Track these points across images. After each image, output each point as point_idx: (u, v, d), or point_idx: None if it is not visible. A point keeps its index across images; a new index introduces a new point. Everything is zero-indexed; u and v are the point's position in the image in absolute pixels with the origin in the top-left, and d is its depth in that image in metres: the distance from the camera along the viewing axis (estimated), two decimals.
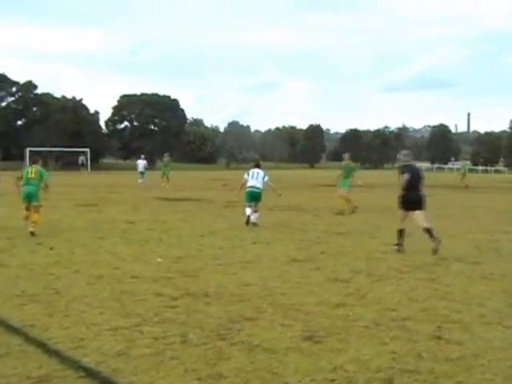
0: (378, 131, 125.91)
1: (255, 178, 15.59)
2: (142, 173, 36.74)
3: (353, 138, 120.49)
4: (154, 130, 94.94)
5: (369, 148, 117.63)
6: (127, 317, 6.31)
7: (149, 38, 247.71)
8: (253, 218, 15.01)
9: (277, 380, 4.65)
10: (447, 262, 9.90)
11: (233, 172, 64.62)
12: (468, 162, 41.65)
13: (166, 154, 37.56)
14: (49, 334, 5.68)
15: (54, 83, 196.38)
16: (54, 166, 70.76)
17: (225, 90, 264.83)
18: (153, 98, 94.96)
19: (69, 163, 70.08)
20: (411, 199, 11.25)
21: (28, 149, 65.53)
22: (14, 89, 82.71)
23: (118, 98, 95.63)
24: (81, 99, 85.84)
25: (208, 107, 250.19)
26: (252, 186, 15.45)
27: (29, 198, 13.10)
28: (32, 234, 12.52)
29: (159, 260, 9.78)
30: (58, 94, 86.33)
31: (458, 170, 44.87)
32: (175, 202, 22.96)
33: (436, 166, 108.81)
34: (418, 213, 11.16)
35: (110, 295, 7.28)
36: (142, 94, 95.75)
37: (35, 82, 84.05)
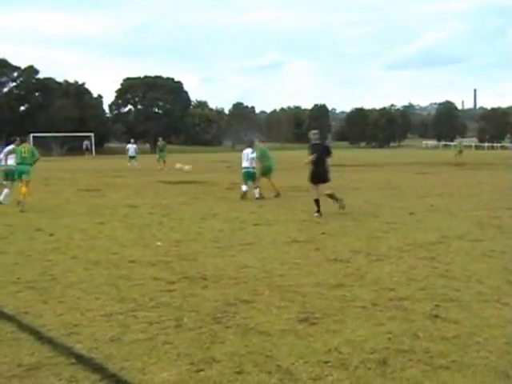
0: (383, 109, 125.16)
1: (245, 158, 17.11)
2: (132, 157, 36.68)
3: (358, 117, 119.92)
4: (159, 112, 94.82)
5: (375, 127, 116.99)
6: (122, 302, 6.27)
7: (151, 20, 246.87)
8: (255, 194, 16.73)
9: (270, 363, 4.60)
10: (448, 240, 9.80)
11: (238, 154, 64.69)
12: (464, 140, 41.08)
13: (160, 139, 37.65)
14: (42, 320, 5.65)
15: (56, 68, 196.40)
16: (58, 151, 70.95)
17: (229, 72, 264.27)
18: (156, 80, 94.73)
19: (73, 148, 70.10)
20: (318, 174, 13.26)
21: (32, 134, 65.63)
22: (15, 74, 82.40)
23: (121, 82, 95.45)
24: (83, 83, 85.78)
25: (212, 89, 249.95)
26: (245, 167, 17.21)
27: (21, 175, 15.09)
28: (19, 202, 14.27)
29: (158, 244, 9.74)
30: (60, 79, 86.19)
31: (454, 147, 44.46)
32: (178, 184, 22.91)
33: (442, 143, 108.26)
34: (323, 185, 13.27)
35: (106, 280, 7.25)
36: (146, 77, 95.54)
37: (37, 66, 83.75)
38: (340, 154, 70.05)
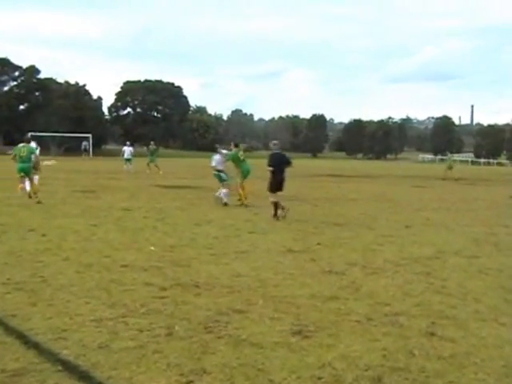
0: (381, 122, 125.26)
1: (216, 162, 17.56)
2: (128, 160, 35.70)
3: (356, 128, 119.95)
4: (157, 116, 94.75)
5: (372, 138, 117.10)
6: (113, 307, 6.15)
7: (153, 24, 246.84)
8: (222, 196, 16.76)
9: (262, 377, 4.49)
10: (445, 256, 9.71)
11: None
12: (456, 155, 40.15)
13: (152, 142, 37.29)
14: (30, 324, 5.52)
15: (58, 68, 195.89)
16: (56, 151, 70.73)
17: (229, 78, 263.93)
18: (156, 84, 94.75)
19: (71, 149, 69.91)
20: (276, 183, 13.99)
21: (30, 134, 65.33)
22: (16, 73, 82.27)
23: (121, 85, 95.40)
24: (84, 85, 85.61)
25: (212, 95, 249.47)
26: (219, 170, 17.33)
27: (24, 173, 16.64)
28: (39, 202, 15.55)
29: (152, 248, 9.62)
30: (61, 80, 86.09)
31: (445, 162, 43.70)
32: (174, 189, 22.79)
33: (439, 157, 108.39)
34: (279, 193, 14.15)
35: (97, 284, 7.12)
36: (146, 81, 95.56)
37: (38, 66, 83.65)
38: (337, 164, 70.37)
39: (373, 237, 11.64)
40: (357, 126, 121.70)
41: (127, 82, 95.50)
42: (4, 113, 76.54)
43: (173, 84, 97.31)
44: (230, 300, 6.59)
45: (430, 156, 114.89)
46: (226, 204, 16.62)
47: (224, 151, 18.24)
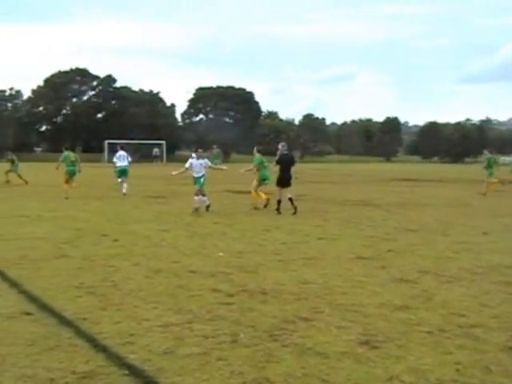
0: (458, 124, 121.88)
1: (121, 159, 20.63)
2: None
3: (431, 131, 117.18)
4: (229, 122, 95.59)
5: (448, 141, 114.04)
6: (179, 313, 6.18)
7: (223, 30, 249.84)
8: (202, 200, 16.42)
9: None
10: None
11: (306, 165, 64.21)
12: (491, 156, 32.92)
13: (214, 146, 37.24)
14: (99, 328, 5.62)
15: (132, 77, 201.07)
16: (132, 157, 72.57)
17: (299, 83, 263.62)
18: (228, 90, 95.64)
19: (145, 155, 71.55)
20: (284, 179, 15.87)
21: (107, 141, 67.46)
22: (94, 83, 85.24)
23: (193, 91, 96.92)
24: (158, 92, 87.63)
25: (283, 100, 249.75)
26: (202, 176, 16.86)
27: (73, 175, 20.93)
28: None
29: (220, 254, 9.64)
30: (136, 88, 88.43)
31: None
32: (244, 194, 22.84)
33: None
34: (287, 189, 15.93)
35: (165, 290, 7.18)
36: (218, 87, 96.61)
37: (115, 75, 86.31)
38: (411, 168, 68.92)
39: (447, 243, 11.26)
40: (432, 128, 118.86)
41: (200, 89, 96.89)
42: (83, 121, 79.44)
43: (244, 90, 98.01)
44: (297, 307, 6.50)
45: (510, 158, 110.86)
46: (196, 210, 15.93)
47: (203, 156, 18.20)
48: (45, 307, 6.29)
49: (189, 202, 18.68)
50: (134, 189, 24.28)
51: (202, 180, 16.66)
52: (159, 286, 7.35)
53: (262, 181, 17.63)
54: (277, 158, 16.42)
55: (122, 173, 21.91)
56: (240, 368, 4.70)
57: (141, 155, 73.48)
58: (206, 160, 17.45)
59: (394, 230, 12.93)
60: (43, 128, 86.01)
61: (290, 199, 15.77)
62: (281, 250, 10.22)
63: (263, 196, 17.41)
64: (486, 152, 29.31)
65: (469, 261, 9.49)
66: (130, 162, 22.73)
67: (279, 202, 15.69)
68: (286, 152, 16.40)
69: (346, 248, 10.51)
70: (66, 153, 21.16)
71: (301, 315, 6.17)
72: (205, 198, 16.45)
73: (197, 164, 16.90)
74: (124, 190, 21.10)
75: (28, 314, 6.03)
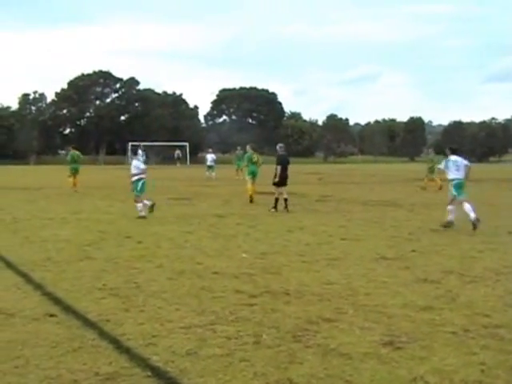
0: (483, 123, 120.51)
1: (134, 169, 15.56)
2: (210, 167, 35.88)
3: (456, 131, 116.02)
4: (252, 123, 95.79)
5: (473, 140, 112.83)
6: (202, 314, 6.19)
7: (245, 32, 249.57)
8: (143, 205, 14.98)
9: None
10: None
11: (330, 166, 64.08)
12: None
13: (238, 147, 37.01)
14: (123, 329, 5.66)
15: (155, 79, 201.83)
16: (154, 159, 73.15)
17: (322, 83, 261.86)
18: (251, 91, 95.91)
19: (168, 157, 72.01)
20: (282, 178, 16.70)
21: (130, 143, 68.03)
22: (117, 85, 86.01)
23: (217, 93, 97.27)
24: (181, 94, 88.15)
25: (306, 100, 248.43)
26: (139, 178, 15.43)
27: (76, 171, 24.42)
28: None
29: (243, 255, 9.66)
30: (159, 90, 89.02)
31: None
32: (267, 195, 22.83)
33: None
34: (283, 188, 16.80)
35: (188, 291, 7.21)
36: (241, 88, 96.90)
37: (138, 78, 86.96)
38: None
39: (472, 243, 11.14)
40: (457, 127, 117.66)
41: (223, 90, 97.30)
42: (106, 124, 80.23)
43: (267, 91, 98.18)
44: (320, 308, 6.48)
45: None
46: (144, 217, 14.69)
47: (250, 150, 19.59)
48: (68, 309, 6.35)
49: (213, 204, 18.80)
50: (158, 190, 24.45)
51: (139, 184, 15.15)
52: (182, 288, 7.38)
53: (250, 175, 19.61)
54: (276, 159, 17.41)
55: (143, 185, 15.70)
56: (263, 369, 4.70)
57: (164, 157, 74.07)
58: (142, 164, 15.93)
59: (417, 230, 12.83)
60: (67, 131, 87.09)
61: (285, 200, 16.59)
62: (304, 250, 10.20)
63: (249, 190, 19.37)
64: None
65: (494, 260, 9.39)
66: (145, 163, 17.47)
67: (276, 199, 16.62)
68: (283, 153, 17.41)
69: (369, 248, 10.45)
70: (72, 152, 25.70)
71: (324, 316, 6.15)
72: (147, 202, 15.11)
73: (136, 165, 15.53)
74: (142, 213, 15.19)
75: (52, 315, 6.10)
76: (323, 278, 7.99)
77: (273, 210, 16.51)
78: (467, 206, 12.79)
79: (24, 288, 7.34)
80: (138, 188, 15.08)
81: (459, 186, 13.20)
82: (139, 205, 14.88)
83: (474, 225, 12.55)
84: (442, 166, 13.97)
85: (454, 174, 13.28)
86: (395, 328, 5.77)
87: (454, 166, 13.30)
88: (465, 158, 13.79)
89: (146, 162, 22.48)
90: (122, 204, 18.50)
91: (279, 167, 16.85)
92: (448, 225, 13.10)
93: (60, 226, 13.26)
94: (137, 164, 15.54)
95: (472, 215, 12.66)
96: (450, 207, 13.25)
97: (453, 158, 13.53)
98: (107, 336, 5.46)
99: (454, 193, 13.18)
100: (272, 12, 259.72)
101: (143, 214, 14.77)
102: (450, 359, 4.94)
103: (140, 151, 21.86)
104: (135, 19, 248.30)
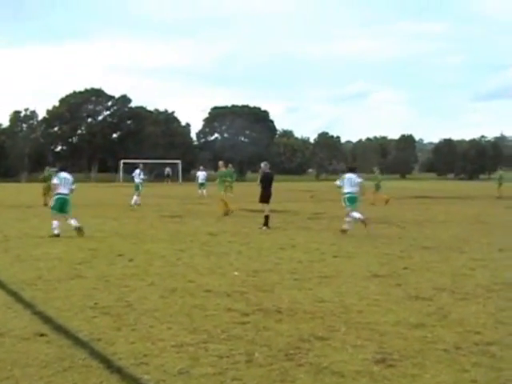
0: (473, 141, 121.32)
1: (63, 184, 15.00)
2: (201, 184, 35.77)
3: (446, 148, 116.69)
4: (245, 141, 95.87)
5: (464, 158, 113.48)
6: (194, 333, 6.17)
7: (237, 49, 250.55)
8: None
9: None
10: None
11: (322, 183, 64.15)
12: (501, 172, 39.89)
13: (230, 165, 37.39)
14: (114, 348, 5.63)
15: (147, 97, 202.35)
16: (147, 177, 73.10)
17: (314, 101, 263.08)
18: (243, 109, 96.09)
19: (161, 175, 72.01)
20: (265, 196, 17.00)
21: (122, 161, 68.02)
22: (109, 103, 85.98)
23: (209, 110, 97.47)
24: (173, 112, 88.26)
25: (298, 118, 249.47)
26: (62, 193, 15.00)
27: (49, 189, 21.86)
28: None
29: (235, 273, 9.64)
30: (151, 107, 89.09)
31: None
32: (259, 213, 22.83)
33: None
34: (266, 205, 16.96)
35: (180, 309, 7.18)
36: (233, 106, 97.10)
37: (129, 95, 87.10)
38: (427, 185, 68.54)
39: (463, 260, 11.18)
40: (447, 145, 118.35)
41: (215, 108, 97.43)
42: (99, 141, 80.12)
43: (259, 108, 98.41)
44: (312, 326, 6.47)
45: None
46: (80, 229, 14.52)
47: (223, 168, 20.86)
48: (59, 328, 6.30)
49: (205, 222, 18.78)
50: (150, 208, 24.44)
51: (67, 200, 14.87)
52: (174, 306, 7.35)
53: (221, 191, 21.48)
54: (260, 176, 17.94)
55: (65, 204, 14.97)
56: None
57: (156, 174, 74.07)
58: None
59: (409, 248, 12.87)
60: (59, 148, 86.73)
61: (266, 217, 16.77)
62: (296, 268, 10.20)
63: (222, 205, 20.82)
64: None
65: (485, 278, 9.42)
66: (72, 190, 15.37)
67: (266, 217, 16.79)
68: (268, 170, 17.68)
69: (361, 266, 10.47)
70: (50, 170, 25.93)
71: (316, 334, 6.14)
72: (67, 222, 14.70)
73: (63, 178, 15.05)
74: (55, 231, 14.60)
75: (42, 335, 6.04)
76: (315, 296, 7.99)
77: (264, 227, 16.58)
78: (355, 214, 15.39)
79: (14, 307, 7.28)
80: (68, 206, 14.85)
81: (352, 200, 15.55)
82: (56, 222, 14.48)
83: (363, 222, 15.38)
84: (338, 182, 16.11)
85: (347, 189, 15.57)
86: (387, 346, 5.76)
87: (349, 182, 15.65)
88: (358, 177, 16.05)
89: (143, 180, 24.74)
90: (114, 222, 18.47)
91: (261, 184, 17.28)
92: (344, 231, 15.35)
93: (51, 244, 13.19)
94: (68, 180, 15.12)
95: (359, 216, 15.37)
96: (347, 218, 15.53)
97: (348, 175, 15.89)
98: (98, 355, 5.42)
99: (347, 204, 15.49)
100: (264, 30, 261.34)
101: (79, 225, 14.50)
102: (441, 376, 4.94)
103: (138, 170, 23.45)
104: (127, 36, 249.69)
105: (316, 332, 6.23)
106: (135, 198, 25.76)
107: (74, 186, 15.22)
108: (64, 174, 15.18)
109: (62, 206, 14.71)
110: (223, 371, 5.04)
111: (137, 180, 26.89)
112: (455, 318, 6.88)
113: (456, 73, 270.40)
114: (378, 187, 30.15)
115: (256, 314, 7.02)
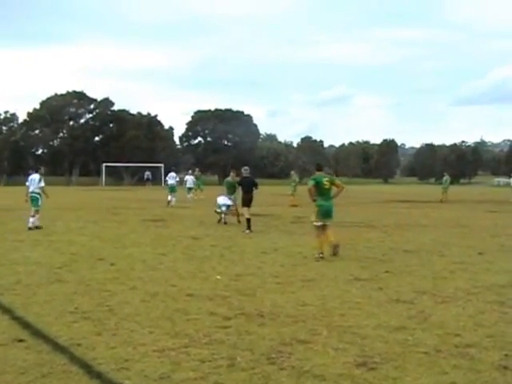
0: (454, 146, 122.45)
1: (31, 184, 17.53)
2: (190, 188, 37.21)
3: (428, 153, 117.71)
4: (228, 145, 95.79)
5: (444, 163, 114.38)
6: (176, 337, 6.14)
7: (220, 53, 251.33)
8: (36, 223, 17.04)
9: None
10: None
11: (305, 187, 64.26)
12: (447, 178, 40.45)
13: (197, 169, 40.02)
14: (94, 353, 5.58)
15: (130, 100, 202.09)
16: (129, 180, 72.78)
17: (297, 105, 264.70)
18: (226, 113, 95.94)
19: (143, 178, 71.66)
20: (246, 199, 17.43)
21: (104, 164, 67.60)
22: (92, 106, 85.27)
23: (192, 114, 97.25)
24: (155, 115, 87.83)
25: (281, 122, 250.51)
26: (31, 192, 17.50)
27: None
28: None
29: (218, 277, 9.62)
30: (133, 111, 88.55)
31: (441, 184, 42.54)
32: (242, 217, 22.83)
33: None
34: (246, 208, 17.33)
35: (162, 314, 7.15)
36: (216, 110, 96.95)
37: (112, 99, 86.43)
38: (408, 189, 69.00)
39: (444, 264, 11.26)
40: (428, 150, 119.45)
41: (198, 112, 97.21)
42: (80, 144, 79.42)
43: (242, 112, 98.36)
44: (294, 330, 6.48)
45: (505, 180, 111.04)
46: (37, 227, 16.85)
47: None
48: (38, 333, 6.23)
49: (188, 225, 18.73)
50: (132, 212, 24.31)
51: (38, 198, 17.39)
52: (156, 310, 7.32)
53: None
54: (238, 180, 18.72)
55: (34, 200, 17.32)
56: None
57: (138, 178, 73.74)
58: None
59: (390, 251, 12.94)
60: (39, 151, 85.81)
61: (248, 220, 17.04)
62: (279, 272, 10.21)
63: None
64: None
65: (465, 281, 9.50)
66: (41, 188, 17.60)
67: (248, 220, 17.10)
68: (247, 175, 18.08)
69: (343, 269, 10.50)
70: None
71: (298, 338, 6.15)
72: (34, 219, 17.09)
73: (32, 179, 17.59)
74: (29, 224, 16.91)
75: (20, 340, 5.97)
76: (298, 300, 7.99)
77: (247, 231, 16.65)
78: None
79: None
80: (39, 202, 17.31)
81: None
82: (36, 217, 17.08)
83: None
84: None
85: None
86: (369, 349, 5.79)
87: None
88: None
89: (177, 182, 30.35)
90: (95, 225, 18.35)
91: (241, 188, 17.89)
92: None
93: (31, 248, 13.05)
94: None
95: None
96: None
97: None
98: (78, 361, 5.37)
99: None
100: (246, 34, 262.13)
101: (37, 224, 17.01)
102: (422, 379, 4.97)
103: (173, 173, 29.27)
104: (110, 40, 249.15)
105: (298, 336, 6.23)
106: (172, 198, 29.10)
107: (42, 184, 17.46)
108: (32, 176, 17.61)
109: (32, 202, 17.21)
110: (205, 376, 5.03)
111: (172, 182, 30.93)
112: (435, 320, 6.93)
113: (437, 78, 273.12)
114: (294, 189, 31.50)
115: (238, 317, 7.01)
